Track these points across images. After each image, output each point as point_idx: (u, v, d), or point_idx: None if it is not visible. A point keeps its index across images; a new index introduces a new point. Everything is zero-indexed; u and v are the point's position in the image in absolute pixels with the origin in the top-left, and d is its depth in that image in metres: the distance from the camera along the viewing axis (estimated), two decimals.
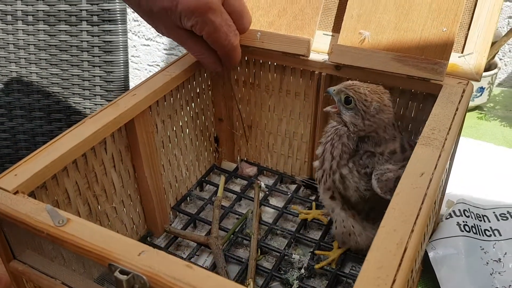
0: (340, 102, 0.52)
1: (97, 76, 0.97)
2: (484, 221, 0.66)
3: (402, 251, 0.34)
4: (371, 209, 0.53)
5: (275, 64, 0.65)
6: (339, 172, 0.53)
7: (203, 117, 0.70)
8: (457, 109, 0.49)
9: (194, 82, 0.66)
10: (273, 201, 0.71)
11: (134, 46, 1.62)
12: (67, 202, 0.50)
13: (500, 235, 0.64)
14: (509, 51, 1.14)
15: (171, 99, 0.62)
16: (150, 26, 0.58)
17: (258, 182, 0.70)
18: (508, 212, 0.67)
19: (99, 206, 0.54)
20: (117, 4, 0.94)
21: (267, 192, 0.71)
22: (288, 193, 0.71)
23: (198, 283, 0.32)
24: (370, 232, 0.55)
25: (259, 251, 0.61)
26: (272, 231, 0.65)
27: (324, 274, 0.60)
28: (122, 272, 0.33)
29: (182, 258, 0.61)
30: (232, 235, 0.64)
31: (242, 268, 0.59)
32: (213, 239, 0.62)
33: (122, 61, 0.96)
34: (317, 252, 0.61)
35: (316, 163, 0.56)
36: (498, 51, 0.88)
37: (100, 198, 0.54)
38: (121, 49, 0.95)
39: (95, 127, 0.48)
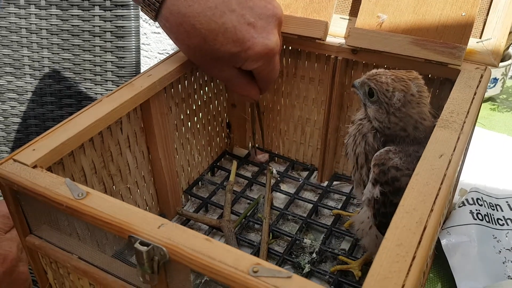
0: (365, 96, 0.48)
1: (108, 61, 0.97)
2: (497, 210, 0.66)
3: (421, 229, 0.34)
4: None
5: (290, 48, 0.65)
6: (366, 166, 0.49)
7: (216, 102, 0.70)
8: (475, 94, 0.49)
9: None
10: (284, 187, 0.71)
11: (145, 33, 1.61)
12: (83, 180, 0.50)
13: None
14: None
15: (185, 82, 0.62)
16: None
17: (270, 167, 0.70)
18: None
19: (114, 186, 0.54)
20: (133, 16, 0.94)
21: (278, 179, 0.71)
22: (300, 180, 0.71)
23: (217, 255, 0.32)
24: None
25: (270, 235, 0.61)
26: (283, 216, 0.65)
27: (335, 258, 0.59)
28: (142, 243, 0.33)
29: None
30: (243, 219, 0.64)
31: (254, 251, 0.59)
32: (225, 222, 0.62)
33: (134, 47, 0.96)
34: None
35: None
36: None
37: (115, 178, 0.54)
38: (133, 34, 0.95)
39: (111, 105, 0.48)
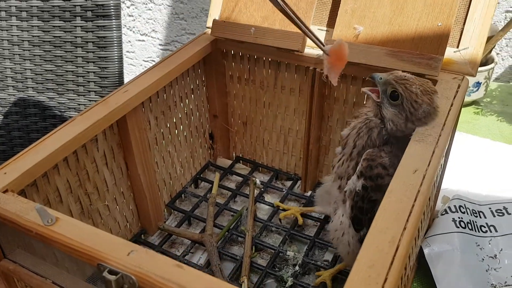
0: (384, 95, 0.46)
1: (91, 72, 0.96)
2: (480, 217, 0.66)
3: (394, 250, 0.34)
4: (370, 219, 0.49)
5: (269, 59, 0.65)
6: (356, 160, 0.49)
7: (197, 113, 0.70)
8: (452, 105, 0.49)
9: (188, 78, 0.65)
10: (268, 197, 0.71)
11: (129, 41, 1.61)
12: (59, 200, 0.49)
13: (496, 231, 0.63)
14: (506, 45, 1.13)
15: (164, 95, 0.61)
16: (145, 21, 0.55)
17: (253, 178, 0.70)
18: (504, 208, 0.67)
19: (91, 204, 0.54)
20: (112, 5, 0.93)
21: (262, 189, 0.71)
22: (284, 190, 0.71)
23: (188, 283, 0.32)
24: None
25: (253, 248, 0.61)
26: (267, 228, 0.65)
27: (318, 270, 0.59)
28: (111, 272, 0.33)
29: (176, 255, 0.61)
30: (226, 232, 0.64)
31: (237, 265, 0.59)
32: (207, 237, 0.61)
33: (116, 57, 0.95)
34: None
35: (338, 149, 0.53)
36: (494, 46, 0.87)
37: (92, 196, 0.53)
38: (115, 44, 0.94)
39: (85, 124, 0.48)
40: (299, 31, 0.58)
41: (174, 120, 0.65)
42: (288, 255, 0.60)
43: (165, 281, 0.32)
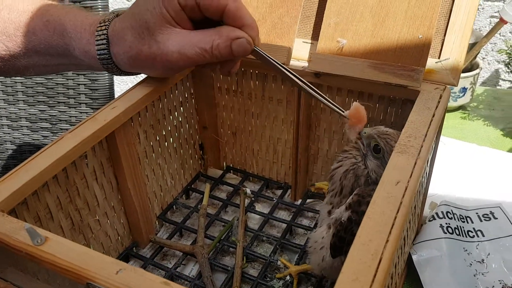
0: (368, 147, 0.51)
1: (81, 84, 0.97)
2: (467, 222, 0.67)
3: (377, 263, 0.35)
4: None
5: (256, 72, 0.66)
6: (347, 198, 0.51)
7: (187, 125, 0.71)
8: (433, 115, 0.50)
9: (177, 91, 0.66)
10: (259, 207, 0.72)
11: None
12: (49, 217, 0.50)
13: (483, 236, 0.65)
14: (492, 50, 1.15)
15: (153, 109, 0.62)
16: None
17: (244, 188, 0.71)
18: (491, 212, 0.68)
19: (82, 220, 0.54)
20: (100, 7, 0.93)
21: (253, 198, 0.72)
22: (274, 199, 0.72)
23: None
24: (338, 262, 0.53)
25: (244, 258, 0.62)
26: (258, 237, 0.66)
27: (309, 279, 0.60)
28: None
29: (168, 268, 0.61)
30: (218, 243, 0.64)
31: (228, 276, 0.60)
32: (199, 248, 0.62)
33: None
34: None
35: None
36: (479, 52, 0.89)
37: (82, 212, 0.54)
38: None
39: (74, 142, 0.48)
40: (284, 44, 0.60)
41: (164, 133, 0.66)
42: (279, 265, 0.61)
43: None
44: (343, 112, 0.52)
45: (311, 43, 0.61)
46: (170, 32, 0.50)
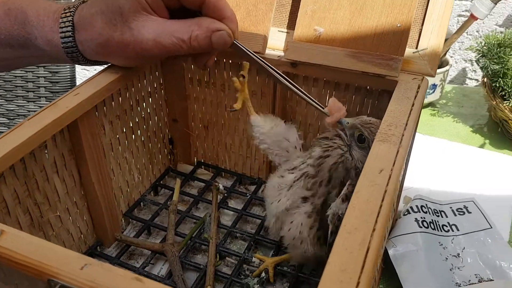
0: (352, 138, 0.49)
1: (41, 77, 0.91)
2: (442, 217, 0.67)
3: (364, 252, 0.33)
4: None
5: (230, 61, 0.63)
6: (338, 189, 0.49)
7: (156, 117, 0.67)
8: (413, 105, 0.49)
9: (145, 81, 0.63)
10: (232, 203, 0.69)
11: None
12: (6, 212, 0.45)
13: (458, 230, 0.64)
14: (459, 48, 1.17)
15: (120, 98, 0.58)
16: None
17: (216, 184, 0.68)
18: (464, 206, 0.68)
19: (41, 216, 0.50)
20: None
21: (225, 194, 0.69)
22: (248, 195, 0.69)
23: None
24: (319, 250, 0.52)
25: (218, 256, 0.59)
26: (231, 234, 0.63)
27: (284, 276, 0.58)
28: None
29: (135, 267, 0.58)
30: (189, 241, 0.61)
31: (200, 274, 0.57)
32: (169, 246, 0.58)
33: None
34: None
35: (297, 160, 0.52)
36: (449, 49, 0.89)
37: (42, 207, 0.50)
38: None
39: (32, 130, 0.44)
40: (259, 32, 0.58)
41: (131, 125, 0.62)
42: (254, 261, 0.58)
43: None
44: (323, 108, 0.51)
45: (286, 32, 0.59)
46: (145, 19, 0.48)
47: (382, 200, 0.37)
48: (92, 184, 0.55)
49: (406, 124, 0.46)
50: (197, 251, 0.62)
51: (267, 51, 0.59)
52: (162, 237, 0.62)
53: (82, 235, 0.57)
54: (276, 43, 0.59)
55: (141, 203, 0.68)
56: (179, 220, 0.64)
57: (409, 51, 0.54)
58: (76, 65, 0.98)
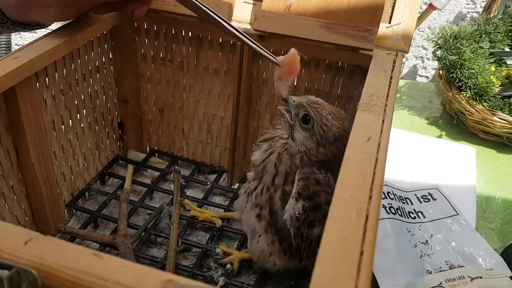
0: (297, 118, 0.45)
1: None
2: (407, 204, 0.65)
3: (363, 220, 0.29)
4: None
5: (190, 34, 0.58)
6: (282, 189, 0.45)
7: (104, 97, 0.60)
8: (391, 77, 0.46)
9: (93, 53, 0.56)
10: (190, 192, 0.63)
11: (20, 35, 1.42)
12: None
13: (424, 217, 0.63)
14: (411, 45, 1.18)
15: (64, 70, 0.51)
16: None
17: (177, 167, 0.62)
18: (429, 194, 0.67)
19: None
20: None
21: (183, 184, 0.63)
22: (208, 183, 0.64)
23: (111, 274, 0.24)
24: (288, 262, 0.49)
25: (180, 241, 0.53)
26: (191, 225, 0.57)
27: (251, 267, 0.53)
28: (3, 266, 0.23)
29: None
30: (143, 232, 0.55)
31: (158, 268, 0.50)
32: (121, 238, 0.52)
33: (3, 42, 0.81)
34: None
35: (250, 174, 0.48)
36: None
37: None
38: None
39: None
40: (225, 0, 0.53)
41: (76, 102, 0.55)
42: (218, 253, 0.53)
43: (80, 274, 0.23)
44: (275, 58, 0.47)
45: (253, 3, 0.55)
46: None
47: (375, 168, 0.34)
48: (32, 165, 0.47)
49: (388, 95, 0.43)
50: (152, 244, 0.55)
51: (233, 23, 0.54)
52: (111, 230, 0.56)
53: (19, 225, 0.49)
54: (241, 15, 0.55)
55: (86, 193, 0.60)
56: (131, 211, 0.58)
57: (382, 26, 0.52)
58: (12, 40, 0.87)
